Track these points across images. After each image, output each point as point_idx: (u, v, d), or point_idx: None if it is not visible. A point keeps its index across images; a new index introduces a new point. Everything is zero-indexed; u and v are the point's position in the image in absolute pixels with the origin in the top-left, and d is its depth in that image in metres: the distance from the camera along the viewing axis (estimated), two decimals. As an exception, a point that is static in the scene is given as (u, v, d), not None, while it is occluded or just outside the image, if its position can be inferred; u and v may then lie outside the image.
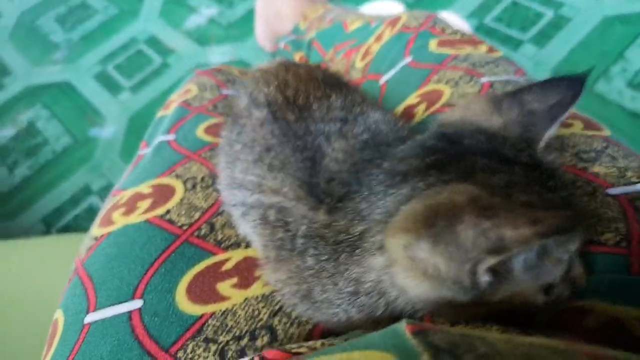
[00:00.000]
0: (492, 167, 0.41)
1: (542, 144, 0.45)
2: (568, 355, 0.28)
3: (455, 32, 0.89)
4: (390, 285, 0.43)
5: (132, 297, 0.55)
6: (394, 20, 0.95)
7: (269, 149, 0.54)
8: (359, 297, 0.45)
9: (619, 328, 0.40)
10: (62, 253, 1.01)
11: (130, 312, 0.54)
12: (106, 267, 0.59)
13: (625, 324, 0.40)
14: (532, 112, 0.45)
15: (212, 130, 0.76)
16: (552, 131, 0.45)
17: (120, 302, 0.55)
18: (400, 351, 0.31)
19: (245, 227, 0.58)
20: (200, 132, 0.76)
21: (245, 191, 0.56)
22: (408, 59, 0.84)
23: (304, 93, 0.58)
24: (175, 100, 0.86)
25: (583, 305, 0.43)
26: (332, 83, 0.62)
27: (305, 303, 0.50)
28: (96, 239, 0.64)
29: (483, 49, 0.82)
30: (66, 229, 1.44)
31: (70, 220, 1.46)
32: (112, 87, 1.74)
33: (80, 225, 1.44)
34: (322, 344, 0.41)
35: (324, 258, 0.46)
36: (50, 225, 1.46)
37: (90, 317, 0.55)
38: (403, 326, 0.34)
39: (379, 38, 0.95)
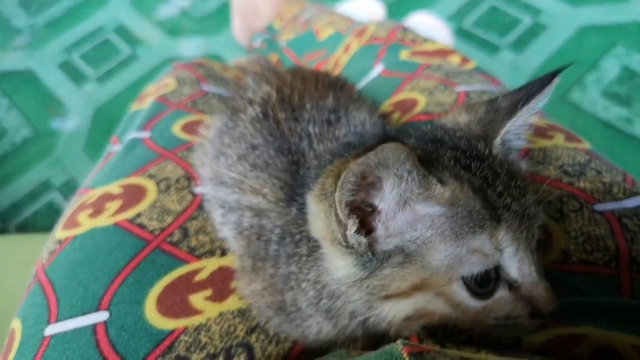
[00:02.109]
0: (418, 146, 0.42)
1: (498, 138, 0.44)
2: None
3: (425, 40, 0.89)
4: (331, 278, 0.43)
5: (97, 309, 0.51)
6: (361, 31, 0.95)
7: (254, 147, 0.53)
8: (322, 299, 0.44)
9: (611, 356, 0.39)
10: (22, 254, 0.96)
11: (95, 325, 0.50)
12: (70, 274, 0.55)
13: (619, 351, 0.39)
14: (497, 110, 0.45)
15: (190, 128, 0.72)
16: (510, 124, 0.44)
17: (84, 314, 0.51)
18: None
19: (226, 232, 0.56)
20: (177, 129, 0.73)
21: (226, 189, 0.54)
22: (379, 68, 0.84)
23: (300, 92, 0.57)
24: (151, 94, 0.82)
25: (576, 332, 0.42)
26: (332, 83, 0.62)
27: (280, 316, 0.49)
28: (60, 242, 0.59)
29: (455, 60, 0.83)
30: (24, 226, 1.37)
31: (28, 216, 1.39)
32: (77, 77, 1.66)
33: (39, 222, 1.37)
34: None
35: (292, 260, 0.46)
36: (6, 221, 1.38)
37: (51, 329, 0.51)
38: (399, 348, 0.31)
39: (346, 49, 0.95)
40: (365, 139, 0.53)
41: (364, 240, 0.38)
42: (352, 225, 0.37)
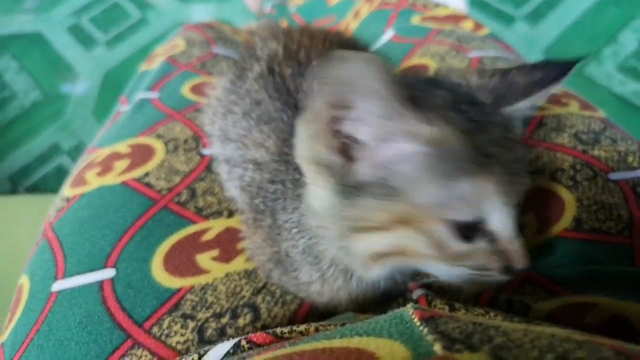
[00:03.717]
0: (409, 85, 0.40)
1: (507, 110, 0.43)
2: (593, 349, 0.26)
3: (437, 5, 0.87)
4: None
5: (105, 266, 0.52)
6: None
7: (259, 102, 0.53)
8: (302, 238, 0.45)
9: (622, 325, 0.38)
10: (31, 214, 0.96)
11: (101, 282, 0.50)
12: (77, 232, 0.55)
13: (631, 320, 0.38)
14: (512, 84, 0.43)
15: (199, 89, 0.71)
16: (522, 104, 0.42)
17: (92, 270, 0.51)
18: (408, 339, 0.28)
19: (232, 190, 0.56)
20: (186, 90, 0.72)
21: (232, 144, 0.55)
22: (390, 34, 0.82)
23: (307, 49, 0.57)
24: (160, 55, 0.81)
25: (586, 300, 0.41)
26: (342, 42, 0.62)
27: (278, 268, 0.49)
28: (67, 200, 0.59)
29: (468, 25, 0.81)
30: (34, 189, 1.38)
31: (38, 179, 1.40)
32: (86, 41, 1.65)
33: (49, 185, 1.38)
34: (317, 329, 0.38)
35: (282, 205, 0.47)
36: (17, 184, 1.39)
37: (58, 285, 0.51)
38: (410, 312, 0.31)
39: (356, 14, 0.93)
40: None
41: (340, 160, 0.37)
42: (331, 142, 0.37)
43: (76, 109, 1.51)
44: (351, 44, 0.63)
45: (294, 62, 0.55)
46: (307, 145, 0.38)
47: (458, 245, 0.39)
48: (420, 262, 0.42)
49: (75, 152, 1.43)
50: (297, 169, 0.45)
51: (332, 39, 0.60)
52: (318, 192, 0.40)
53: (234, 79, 0.59)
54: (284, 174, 0.47)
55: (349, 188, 0.38)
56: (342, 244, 0.42)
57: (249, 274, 0.52)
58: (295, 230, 0.45)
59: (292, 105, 0.52)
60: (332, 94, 0.34)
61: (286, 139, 0.49)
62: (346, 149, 0.37)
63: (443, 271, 0.42)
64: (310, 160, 0.39)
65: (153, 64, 0.79)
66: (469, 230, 0.39)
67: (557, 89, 0.43)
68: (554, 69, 0.43)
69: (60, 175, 1.39)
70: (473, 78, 0.46)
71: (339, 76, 0.32)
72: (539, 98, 0.43)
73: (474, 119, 0.39)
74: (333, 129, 0.36)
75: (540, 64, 0.44)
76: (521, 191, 0.40)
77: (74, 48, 1.64)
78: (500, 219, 0.39)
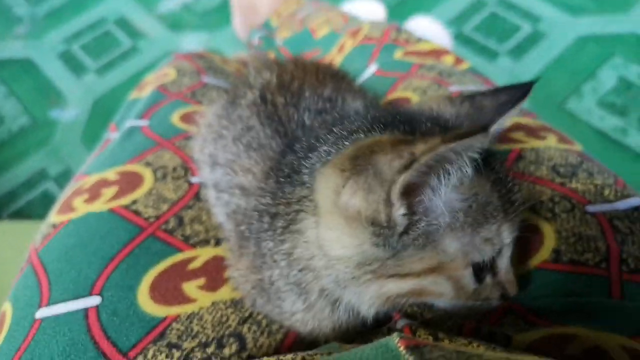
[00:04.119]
0: (434, 131, 0.42)
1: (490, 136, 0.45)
2: None
3: (419, 40, 0.89)
4: (316, 249, 0.42)
5: (90, 293, 0.51)
6: (355, 31, 0.95)
7: (250, 128, 0.54)
8: (292, 270, 0.45)
9: (603, 356, 0.39)
10: (15, 241, 0.95)
11: (86, 310, 0.50)
12: (63, 258, 0.55)
13: (609, 352, 0.39)
14: (481, 108, 0.47)
15: (189, 118, 0.72)
16: (497, 126, 0.46)
17: (77, 298, 0.51)
18: None
19: (220, 216, 0.57)
20: (175, 119, 0.73)
21: (220, 169, 0.55)
22: (374, 68, 0.84)
23: (299, 80, 0.59)
24: (151, 83, 0.82)
25: (566, 332, 0.42)
26: (334, 74, 0.64)
27: (262, 296, 0.49)
28: (54, 226, 0.59)
29: (449, 60, 0.83)
30: (18, 215, 1.36)
31: (23, 205, 1.38)
32: (76, 67, 1.66)
33: (33, 211, 1.36)
34: (303, 359, 0.39)
35: (268, 234, 0.46)
36: (0, 209, 1.37)
37: (42, 312, 0.51)
38: (395, 341, 0.31)
39: (340, 49, 0.95)
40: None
41: (406, 222, 0.37)
42: (400, 207, 0.36)
43: (64, 135, 1.51)
44: (341, 76, 0.64)
45: (286, 92, 0.57)
46: (357, 202, 0.37)
47: (474, 284, 0.42)
48: (433, 299, 0.45)
49: (62, 178, 1.42)
50: (286, 201, 0.45)
51: (324, 71, 0.61)
52: (344, 241, 0.39)
53: (227, 104, 0.60)
54: (271, 204, 0.47)
55: (395, 240, 0.38)
56: (356, 286, 0.42)
57: (235, 303, 0.52)
58: (284, 262, 0.45)
59: (282, 133, 0.53)
60: (434, 161, 0.34)
61: (273, 167, 0.50)
62: (411, 210, 0.37)
63: (449, 303, 0.45)
64: (355, 216, 0.38)
65: (143, 92, 0.80)
66: (483, 269, 0.42)
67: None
68: (516, 90, 0.46)
69: (45, 201, 1.38)
70: (448, 107, 0.49)
71: (462, 146, 0.33)
72: (508, 117, 0.46)
73: (493, 166, 0.42)
74: (403, 192, 0.35)
75: (502, 88, 0.48)
76: (518, 225, 0.44)
77: (64, 74, 1.64)
78: (506, 254, 0.43)
